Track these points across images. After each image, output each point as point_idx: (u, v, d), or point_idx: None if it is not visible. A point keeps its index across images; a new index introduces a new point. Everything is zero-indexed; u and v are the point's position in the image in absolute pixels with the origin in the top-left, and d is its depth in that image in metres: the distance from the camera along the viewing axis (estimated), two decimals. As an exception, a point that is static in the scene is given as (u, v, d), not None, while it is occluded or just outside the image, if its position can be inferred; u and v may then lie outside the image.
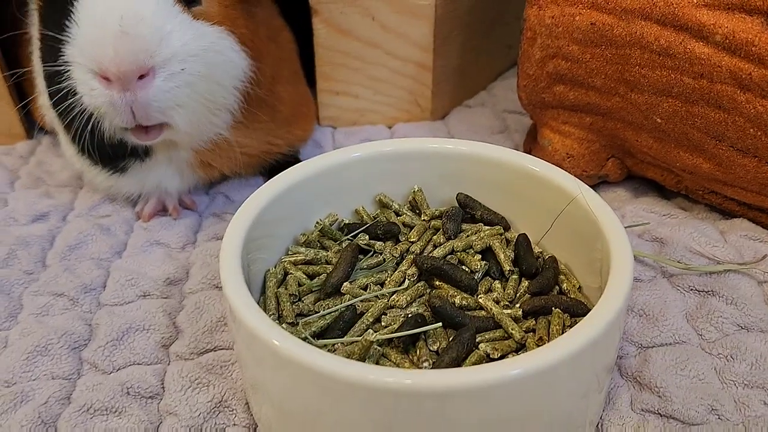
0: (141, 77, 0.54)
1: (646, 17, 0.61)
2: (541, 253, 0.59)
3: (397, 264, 0.57)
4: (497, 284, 0.55)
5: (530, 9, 0.67)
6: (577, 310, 0.52)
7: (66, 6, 0.57)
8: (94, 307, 0.61)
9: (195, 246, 0.68)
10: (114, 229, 0.70)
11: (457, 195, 0.62)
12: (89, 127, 0.59)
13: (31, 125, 0.85)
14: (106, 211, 0.72)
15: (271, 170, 0.77)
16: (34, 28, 0.74)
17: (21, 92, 0.83)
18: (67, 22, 0.56)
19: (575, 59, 0.66)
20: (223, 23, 0.61)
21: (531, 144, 0.78)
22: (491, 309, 0.52)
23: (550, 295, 0.54)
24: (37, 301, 0.61)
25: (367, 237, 0.58)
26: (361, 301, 0.53)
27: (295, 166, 0.59)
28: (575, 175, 0.71)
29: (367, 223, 0.60)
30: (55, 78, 0.59)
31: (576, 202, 0.55)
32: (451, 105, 0.90)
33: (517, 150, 0.80)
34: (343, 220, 0.62)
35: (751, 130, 0.60)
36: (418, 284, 0.55)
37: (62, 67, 0.57)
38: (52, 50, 0.58)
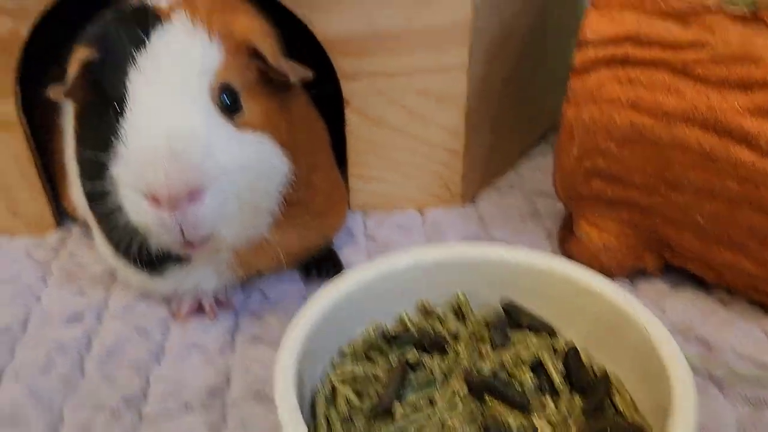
0: (191, 197, 0.54)
1: (688, 121, 0.61)
2: (590, 364, 0.59)
3: (445, 377, 0.57)
4: (549, 401, 0.54)
5: (568, 107, 0.68)
6: (636, 433, 0.51)
7: (110, 121, 0.58)
8: (137, 421, 0.60)
9: (233, 348, 0.67)
10: (150, 330, 0.69)
11: (502, 302, 0.61)
12: (132, 238, 0.58)
13: (59, 212, 0.85)
14: (141, 310, 0.72)
15: (306, 264, 0.76)
16: (67, 120, 0.74)
17: (50, 180, 0.83)
18: (112, 138, 0.56)
19: (614, 157, 0.66)
20: (264, 128, 0.61)
21: (566, 234, 0.78)
22: (546, 432, 0.51)
23: (605, 416, 0.53)
24: (79, 414, 0.60)
25: (414, 350, 0.58)
26: (413, 422, 0.52)
27: (341, 276, 0.58)
28: (611, 267, 0.71)
29: (411, 332, 0.60)
30: (98, 190, 0.58)
31: (623, 312, 0.55)
32: (480, 186, 0.90)
33: (551, 238, 0.81)
34: (386, 327, 0.61)
35: (797, 234, 0.60)
36: (469, 402, 0.54)
37: (107, 184, 0.57)
38: (95, 165, 0.59)
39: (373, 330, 0.60)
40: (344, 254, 0.79)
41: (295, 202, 0.65)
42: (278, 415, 0.46)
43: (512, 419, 0.52)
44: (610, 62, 0.64)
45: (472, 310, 0.62)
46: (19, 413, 0.60)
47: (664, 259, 0.74)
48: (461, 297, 0.62)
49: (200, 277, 0.68)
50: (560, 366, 0.56)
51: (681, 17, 0.62)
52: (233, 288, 0.74)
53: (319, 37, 0.73)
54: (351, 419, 0.54)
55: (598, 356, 0.59)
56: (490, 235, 0.81)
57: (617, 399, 0.55)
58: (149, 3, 0.64)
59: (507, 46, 0.82)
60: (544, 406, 0.54)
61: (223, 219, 0.57)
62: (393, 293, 0.61)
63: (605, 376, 0.56)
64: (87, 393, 0.62)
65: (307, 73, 0.63)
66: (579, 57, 0.66)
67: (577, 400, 0.54)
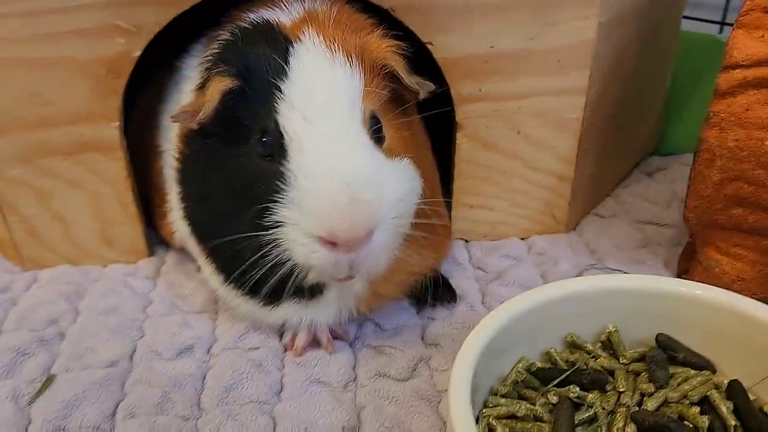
0: (367, 238, 0.53)
1: None
2: (755, 401, 0.55)
3: (609, 416, 0.53)
4: (724, 441, 0.50)
5: (710, 130, 0.65)
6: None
7: (250, 155, 0.56)
8: (266, 461, 0.56)
9: (356, 384, 0.64)
10: (266, 365, 0.65)
11: (657, 335, 0.58)
12: (274, 271, 0.55)
13: (151, 240, 0.81)
14: (253, 343, 0.68)
15: (418, 293, 0.73)
16: (166, 143, 0.71)
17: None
18: (278, 182, 0.54)
19: (761, 183, 0.63)
20: (401, 152, 0.59)
21: (688, 263, 0.74)
22: (737, 478, 0.47)
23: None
24: (206, 455, 0.56)
25: (577, 388, 0.54)
26: (589, 468, 0.48)
27: (497, 309, 0.55)
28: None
29: (563, 369, 0.56)
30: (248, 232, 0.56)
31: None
32: (581, 215, 0.87)
33: (669, 266, 0.77)
34: (535, 365, 0.57)
35: None
36: (640, 443, 0.50)
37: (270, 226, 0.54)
38: (222, 196, 0.58)
39: (523, 366, 0.56)
40: (454, 283, 0.75)
41: (416, 223, 0.63)
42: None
43: (694, 462, 0.48)
44: (761, 84, 0.61)
45: (624, 345, 0.58)
46: (143, 453, 0.56)
47: (800, 291, 0.70)
48: (613, 330, 0.58)
49: (320, 309, 0.64)
50: (730, 405, 0.53)
51: (837, 37, 0.59)
52: (347, 321, 0.70)
53: (439, 58, 0.71)
54: (516, 462, 0.50)
55: (764, 395, 0.55)
56: (604, 265, 0.78)
57: (798, 441, 0.51)
58: (272, 20, 0.61)
59: (619, 71, 0.79)
60: (720, 450, 0.50)
61: (385, 251, 0.56)
62: (540, 328, 0.58)
63: (781, 416, 0.52)
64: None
65: (433, 86, 0.62)
66: (724, 79, 0.63)
67: (754, 441, 0.51)
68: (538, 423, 0.52)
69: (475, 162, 0.78)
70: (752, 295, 0.69)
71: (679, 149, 0.99)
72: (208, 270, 0.67)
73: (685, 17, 1.00)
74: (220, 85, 0.55)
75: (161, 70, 0.76)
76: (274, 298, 0.62)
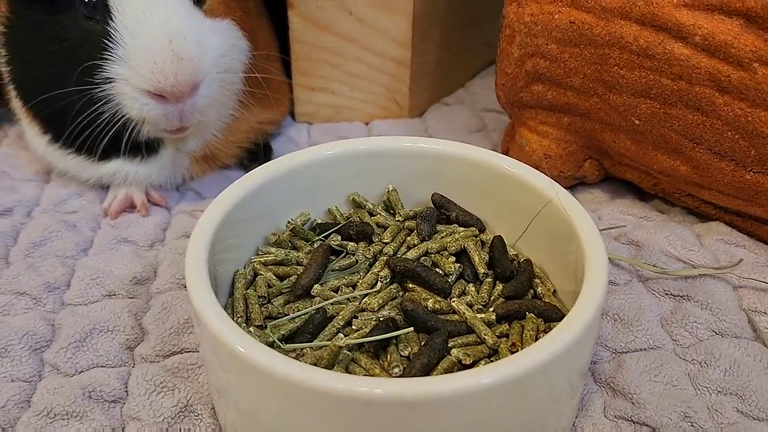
0: (192, 90, 0.59)
1: (626, 17, 0.60)
2: (516, 255, 0.58)
3: (370, 266, 0.56)
4: (471, 287, 0.54)
5: (509, 6, 0.66)
6: (552, 315, 0.51)
7: (75, 20, 0.59)
8: (58, 307, 0.59)
9: (164, 244, 0.66)
10: (80, 226, 0.68)
11: (432, 195, 0.61)
12: (107, 127, 0.60)
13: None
14: (73, 207, 0.70)
15: (243, 164, 0.76)
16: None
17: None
18: (105, 40, 0.58)
19: (554, 58, 0.65)
20: (227, 15, 0.64)
21: (509, 144, 0.77)
22: (464, 313, 0.51)
23: (524, 299, 0.53)
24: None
25: (339, 237, 0.57)
26: (332, 303, 0.52)
27: (266, 163, 0.57)
28: (552, 176, 0.70)
29: (339, 223, 0.59)
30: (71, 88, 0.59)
31: (552, 204, 0.54)
32: (429, 102, 0.89)
33: (495, 150, 0.80)
34: (315, 220, 0.60)
35: (729, 133, 0.60)
36: (391, 287, 0.53)
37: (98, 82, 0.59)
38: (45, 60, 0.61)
39: (300, 220, 0.59)
40: (286, 161, 0.77)
41: (251, 85, 0.68)
42: (189, 294, 0.45)
43: (431, 303, 0.51)
44: (552, -42, 0.63)
45: (402, 203, 0.62)
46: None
47: (605, 170, 0.73)
48: (391, 189, 0.61)
49: (153, 166, 0.67)
50: (485, 256, 0.56)
51: None
52: (169, 187, 0.72)
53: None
54: (270, 300, 0.53)
55: (525, 249, 0.59)
56: (434, 147, 0.80)
57: (539, 287, 0.55)
58: None
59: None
60: (465, 293, 0.54)
61: (213, 102, 0.62)
62: (323, 185, 0.60)
63: (529, 265, 0.56)
64: (8, 280, 0.60)
65: None
66: (520, -47, 0.64)
67: (500, 287, 0.54)
68: (297, 266, 0.55)
69: (310, 43, 0.79)
70: (559, 173, 0.73)
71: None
72: (32, 132, 0.69)
73: None
74: None
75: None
76: (105, 154, 0.66)
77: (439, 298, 0.52)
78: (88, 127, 0.61)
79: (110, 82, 0.58)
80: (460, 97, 0.91)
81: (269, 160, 0.75)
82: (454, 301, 0.52)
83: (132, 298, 0.60)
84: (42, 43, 0.61)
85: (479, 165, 0.59)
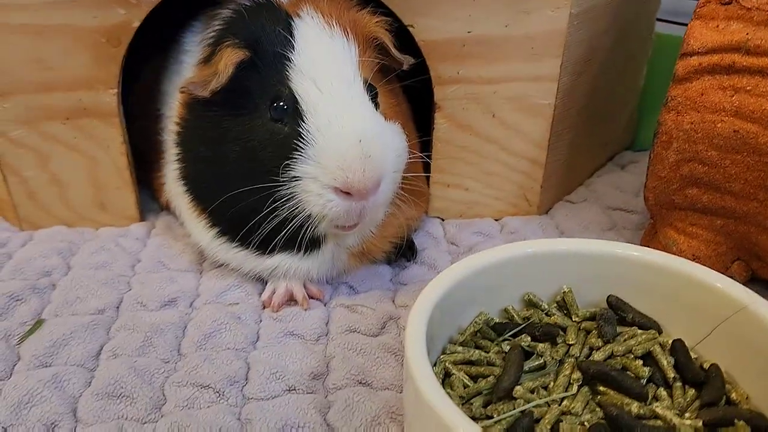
0: (376, 188, 0.62)
1: (793, 128, 0.63)
2: (696, 359, 0.59)
3: (558, 366, 0.57)
4: (663, 392, 0.54)
5: (667, 114, 0.69)
6: (759, 423, 0.51)
7: (261, 119, 0.63)
8: (240, 401, 0.60)
9: (328, 338, 0.68)
10: (245, 318, 0.69)
11: (608, 297, 0.62)
12: (284, 224, 0.63)
13: (143, 207, 0.86)
14: (234, 299, 0.72)
15: (389, 259, 0.78)
16: (167, 109, 0.76)
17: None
18: (294, 141, 0.61)
19: (713, 164, 0.67)
20: (391, 117, 0.67)
21: (649, 243, 0.78)
22: (670, 419, 0.51)
23: (727, 406, 0.53)
24: (181, 392, 0.60)
25: (528, 338, 0.58)
26: (534, 406, 0.52)
27: (456, 264, 0.59)
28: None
29: (519, 324, 0.60)
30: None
31: (746, 310, 0.55)
32: (555, 200, 0.91)
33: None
34: (493, 319, 0.61)
35: None
36: (583, 389, 0.54)
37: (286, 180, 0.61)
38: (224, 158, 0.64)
39: (482, 319, 0.60)
40: (428, 255, 0.79)
41: (404, 182, 0.70)
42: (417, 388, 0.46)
43: (634, 407, 0.51)
44: (714, 70, 0.66)
45: (577, 305, 0.62)
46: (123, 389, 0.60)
47: (752, 271, 0.74)
48: (567, 290, 0.62)
49: (314, 261, 0.69)
50: (671, 360, 0.56)
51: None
52: (323, 283, 0.74)
53: (419, 41, 0.75)
54: (468, 400, 0.54)
55: (706, 354, 0.59)
56: (571, 245, 0.82)
57: (732, 393, 0.55)
58: None
59: (591, 62, 0.84)
60: (657, 398, 0.54)
61: (388, 200, 0.66)
62: (499, 286, 0.62)
63: (718, 370, 0.56)
64: (188, 372, 0.62)
65: (413, 60, 0.70)
66: (682, 66, 0.67)
67: (691, 392, 0.54)
68: (490, 367, 0.56)
69: (452, 142, 0.82)
70: (707, 274, 0.73)
71: (653, 146, 1.04)
72: (197, 226, 0.71)
73: (662, 20, 1.05)
74: (233, 56, 0.61)
75: (162, 43, 0.81)
76: (272, 248, 0.68)
77: (639, 403, 0.52)
78: (261, 222, 0.63)
79: (296, 180, 0.61)
80: (582, 195, 0.93)
81: (414, 255, 0.78)
82: (656, 407, 0.52)
83: (311, 393, 0.61)
84: (223, 143, 0.64)
85: (657, 268, 0.60)
